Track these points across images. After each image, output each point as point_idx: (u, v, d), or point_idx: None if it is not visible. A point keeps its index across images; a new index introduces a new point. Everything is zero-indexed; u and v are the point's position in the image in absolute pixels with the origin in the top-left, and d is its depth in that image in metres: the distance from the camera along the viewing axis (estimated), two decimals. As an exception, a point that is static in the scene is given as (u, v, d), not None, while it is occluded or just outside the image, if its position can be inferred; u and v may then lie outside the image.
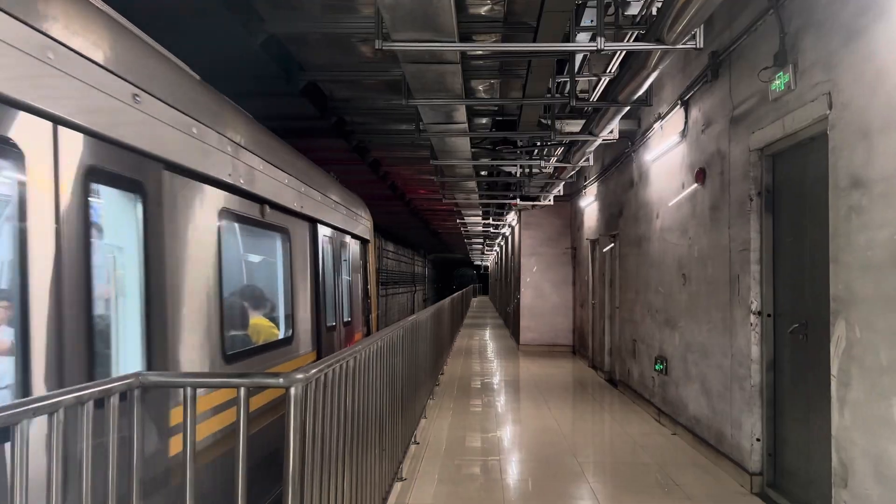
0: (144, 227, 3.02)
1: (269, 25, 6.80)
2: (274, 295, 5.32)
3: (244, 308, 4.81)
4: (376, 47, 4.88)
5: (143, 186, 3.02)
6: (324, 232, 6.53)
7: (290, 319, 5.33)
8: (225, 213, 3.98)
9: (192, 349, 3.43)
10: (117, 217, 2.94)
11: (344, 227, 7.53)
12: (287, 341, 5.19)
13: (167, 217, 3.23)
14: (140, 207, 3.00)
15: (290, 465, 2.38)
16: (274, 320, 5.18)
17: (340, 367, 3.12)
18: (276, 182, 4.91)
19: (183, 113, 3.36)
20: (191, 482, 2.39)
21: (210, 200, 3.79)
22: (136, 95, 2.91)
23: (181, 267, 3.37)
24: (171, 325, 3.18)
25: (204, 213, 3.70)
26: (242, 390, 2.28)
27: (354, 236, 8.35)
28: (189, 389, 2.30)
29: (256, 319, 4.94)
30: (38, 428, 1.88)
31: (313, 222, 6.12)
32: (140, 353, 2.93)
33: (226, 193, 3.99)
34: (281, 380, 2.38)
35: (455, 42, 4.94)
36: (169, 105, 3.20)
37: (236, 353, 4.07)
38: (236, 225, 4.38)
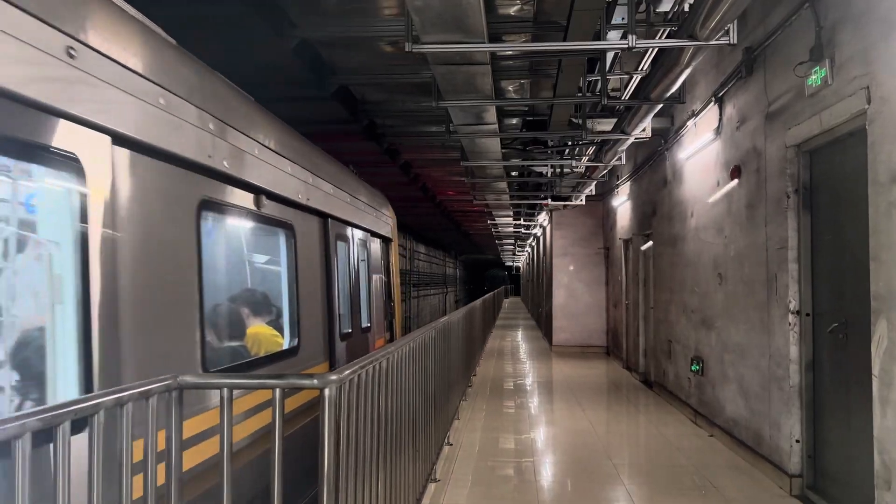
0: (81, 214, 2.39)
1: (300, 30, 6.88)
2: (276, 299, 4.71)
3: (237, 315, 4.28)
4: (406, 50, 4.91)
5: (79, 162, 2.38)
6: (337, 228, 5.91)
7: (296, 327, 4.70)
8: (207, 203, 3.38)
9: (154, 367, 2.75)
10: (31, 200, 2.36)
11: (362, 223, 6.97)
12: (292, 352, 4.62)
13: (120, 203, 2.61)
14: (75, 189, 2.38)
15: (325, 465, 2.40)
16: (278, 328, 4.61)
17: (374, 368, 3.14)
18: (277, 170, 4.34)
19: (144, 77, 2.76)
20: (227, 486, 2.41)
21: (184, 186, 3.17)
22: (71, 49, 2.31)
23: (139, 267, 2.75)
24: (123, 339, 2.57)
25: (174, 202, 3.08)
26: (278, 392, 2.30)
27: (374, 234, 7.72)
28: (225, 391, 2.33)
29: (256, 328, 4.39)
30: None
31: (324, 217, 5.51)
32: (76, 375, 2.34)
33: (208, 180, 3.38)
34: (315, 381, 2.40)
35: (485, 43, 4.94)
36: (121, 65, 2.61)
37: (223, 371, 3.53)
38: (223, 218, 3.84)
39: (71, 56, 2.31)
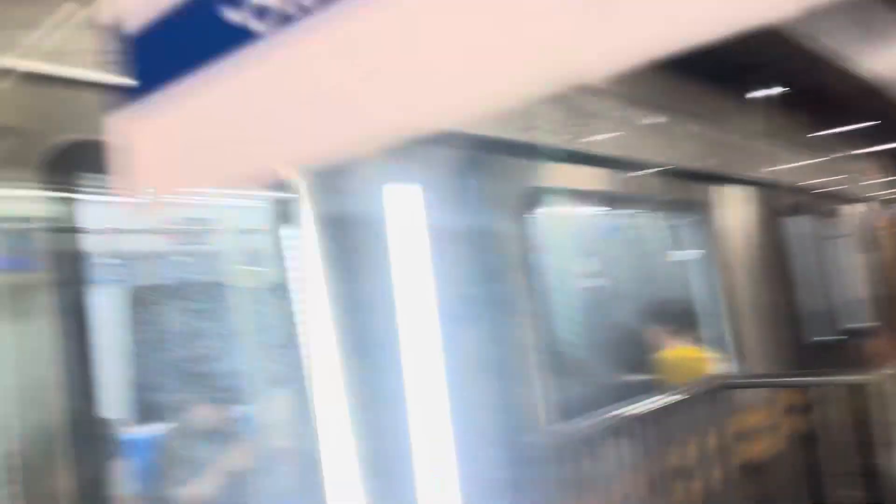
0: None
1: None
2: (692, 307, 3.47)
3: (630, 339, 3.36)
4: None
5: None
6: (784, 200, 4.46)
7: (730, 342, 3.44)
8: (533, 192, 2.58)
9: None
10: None
11: (826, 187, 5.26)
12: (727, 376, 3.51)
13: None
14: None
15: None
16: (703, 346, 3.37)
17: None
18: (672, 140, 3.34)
19: None
20: (770, 482, 2.40)
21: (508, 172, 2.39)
22: None
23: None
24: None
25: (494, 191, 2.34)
26: (830, 389, 2.22)
27: (850, 200, 5.93)
28: (767, 391, 2.33)
29: (674, 352, 3.22)
30: None
31: (769, 187, 4.21)
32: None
33: (532, 163, 2.55)
34: (867, 377, 2.26)
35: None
36: None
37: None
38: (575, 209, 3.15)
39: None
